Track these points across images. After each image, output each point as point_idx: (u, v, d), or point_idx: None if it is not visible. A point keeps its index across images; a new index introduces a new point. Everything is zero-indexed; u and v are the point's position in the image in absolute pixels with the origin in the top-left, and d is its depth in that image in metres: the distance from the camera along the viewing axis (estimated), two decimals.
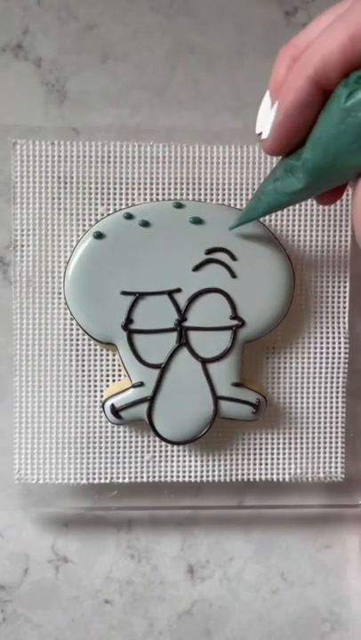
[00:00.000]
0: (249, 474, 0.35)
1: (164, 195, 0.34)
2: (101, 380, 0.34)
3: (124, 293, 0.32)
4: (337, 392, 0.35)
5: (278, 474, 0.35)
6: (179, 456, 0.35)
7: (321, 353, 0.35)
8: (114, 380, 0.34)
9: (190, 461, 0.35)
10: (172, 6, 0.36)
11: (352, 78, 0.19)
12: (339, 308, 0.35)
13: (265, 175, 0.34)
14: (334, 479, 0.35)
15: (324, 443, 0.35)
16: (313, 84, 0.20)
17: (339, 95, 0.19)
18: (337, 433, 0.35)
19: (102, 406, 0.34)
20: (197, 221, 0.32)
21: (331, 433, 0.35)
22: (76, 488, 0.36)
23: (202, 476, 0.35)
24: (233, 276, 0.32)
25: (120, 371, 0.34)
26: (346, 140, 0.20)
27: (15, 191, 0.33)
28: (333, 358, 0.35)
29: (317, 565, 0.38)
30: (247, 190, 0.34)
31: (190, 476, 0.35)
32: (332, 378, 0.35)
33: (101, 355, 0.34)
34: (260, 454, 0.35)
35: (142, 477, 0.34)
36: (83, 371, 0.34)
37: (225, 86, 0.36)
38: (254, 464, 0.35)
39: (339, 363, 0.35)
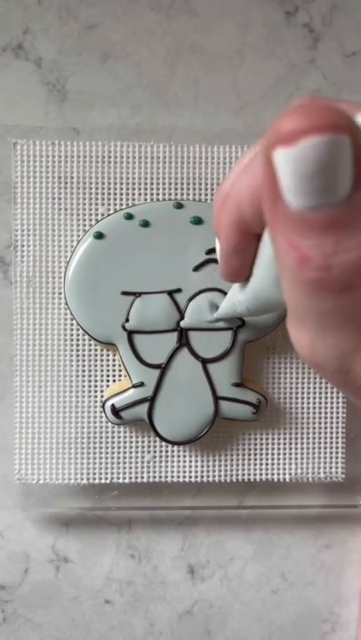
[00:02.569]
0: (249, 474, 0.35)
1: (164, 195, 0.34)
2: (102, 381, 0.34)
3: (125, 293, 0.32)
4: (337, 392, 0.35)
5: (279, 474, 0.35)
6: (179, 456, 0.35)
7: None
8: (114, 381, 0.34)
9: (191, 461, 0.35)
10: (173, 6, 0.36)
11: None
12: None
13: None
14: (335, 479, 0.35)
15: (325, 443, 0.35)
16: (239, 230, 0.18)
17: (264, 240, 0.18)
18: (337, 433, 0.35)
19: (103, 406, 0.34)
20: (197, 221, 0.32)
21: (331, 433, 0.35)
22: (76, 488, 0.36)
23: (202, 477, 0.35)
24: None
25: (120, 371, 0.34)
26: (269, 281, 0.19)
27: (15, 191, 0.33)
28: None
29: (318, 565, 0.38)
30: None
31: (191, 477, 0.35)
32: None
33: (102, 355, 0.34)
34: (261, 454, 0.35)
35: (143, 477, 0.34)
36: (83, 371, 0.34)
37: (225, 86, 0.36)
38: (255, 464, 0.35)
39: None
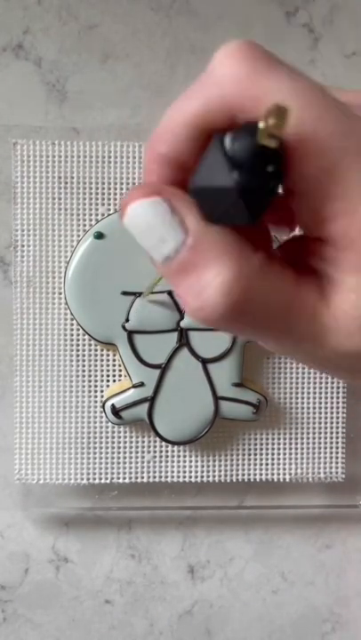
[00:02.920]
0: (249, 474, 0.35)
1: None
2: (102, 381, 0.34)
3: (125, 293, 0.32)
4: (337, 392, 0.35)
5: (279, 474, 0.35)
6: (179, 456, 0.35)
7: None
8: (114, 381, 0.34)
9: (191, 461, 0.35)
10: (173, 6, 0.36)
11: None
12: None
13: None
14: (335, 479, 0.35)
15: (325, 443, 0.35)
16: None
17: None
18: (337, 433, 0.35)
19: (103, 406, 0.34)
20: None
21: (331, 433, 0.35)
22: (76, 488, 0.36)
23: (202, 477, 0.35)
24: None
25: (120, 371, 0.34)
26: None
27: (16, 191, 0.33)
28: None
29: (318, 565, 0.38)
30: None
31: (191, 477, 0.35)
32: (333, 378, 0.35)
33: (102, 355, 0.34)
34: (261, 454, 0.35)
35: (143, 477, 0.34)
36: (83, 371, 0.34)
37: None
38: (255, 464, 0.35)
39: None
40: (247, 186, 0.14)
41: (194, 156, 0.16)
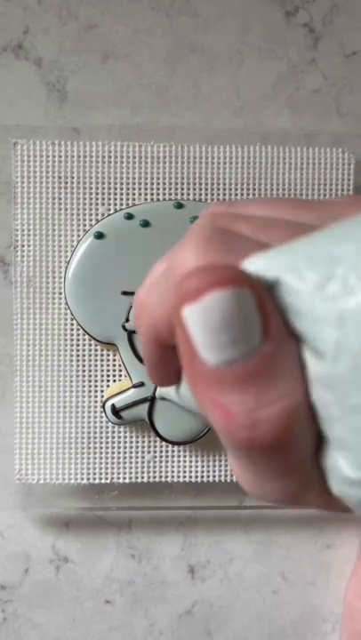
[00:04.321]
0: None
1: (164, 195, 0.34)
2: (102, 381, 0.34)
3: (125, 293, 0.32)
4: None
5: None
6: (179, 456, 0.35)
7: None
8: (114, 381, 0.34)
9: (191, 461, 0.35)
10: (173, 6, 0.36)
11: None
12: None
13: (265, 175, 0.34)
14: None
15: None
16: (157, 344, 0.17)
17: None
18: None
19: (103, 406, 0.34)
20: None
21: None
22: (76, 488, 0.36)
23: (202, 477, 0.35)
24: None
25: (120, 371, 0.34)
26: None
27: (16, 191, 0.33)
28: None
29: (318, 565, 0.38)
30: (247, 190, 0.34)
31: (191, 477, 0.35)
32: None
33: (102, 355, 0.34)
34: None
35: (143, 478, 0.34)
36: (83, 371, 0.34)
37: (225, 86, 0.36)
38: None
39: None
40: None
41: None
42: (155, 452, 0.35)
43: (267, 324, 0.12)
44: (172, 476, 0.35)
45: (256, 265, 0.13)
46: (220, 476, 0.35)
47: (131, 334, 0.32)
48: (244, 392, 0.12)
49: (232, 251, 0.14)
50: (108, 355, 0.34)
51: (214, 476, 0.35)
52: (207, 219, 0.16)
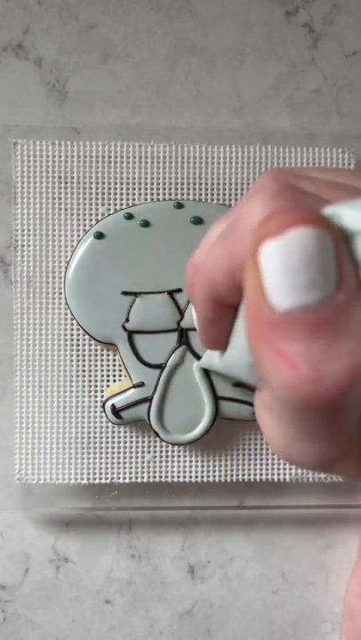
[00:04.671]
0: (250, 474, 0.35)
1: (164, 195, 0.34)
2: (102, 381, 0.34)
3: (125, 293, 0.32)
4: None
5: (279, 474, 0.35)
6: (179, 456, 0.35)
7: None
8: (114, 381, 0.34)
9: (191, 461, 0.35)
10: (173, 6, 0.36)
11: None
12: None
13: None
14: (335, 479, 0.35)
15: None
16: (214, 302, 0.17)
17: (240, 317, 0.17)
18: None
19: (103, 406, 0.34)
20: (197, 221, 0.32)
21: None
22: (76, 488, 0.36)
23: (202, 477, 0.35)
24: None
25: (120, 371, 0.34)
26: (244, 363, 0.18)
27: (16, 191, 0.33)
28: None
29: (318, 566, 0.38)
30: (247, 190, 0.34)
31: (191, 477, 0.35)
32: None
33: (102, 355, 0.34)
34: (261, 454, 0.35)
35: (143, 478, 0.34)
36: (83, 371, 0.34)
37: (225, 86, 0.36)
38: (255, 464, 0.35)
39: None
40: None
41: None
42: (155, 451, 0.35)
43: (342, 273, 0.12)
44: (172, 476, 0.35)
45: (341, 212, 0.13)
46: (220, 476, 0.35)
47: (131, 334, 0.32)
48: (312, 342, 0.12)
49: (301, 204, 0.14)
50: (108, 355, 0.34)
51: (214, 476, 0.35)
52: (269, 177, 0.16)
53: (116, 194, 0.34)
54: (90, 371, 0.34)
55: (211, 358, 0.22)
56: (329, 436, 0.13)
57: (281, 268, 0.12)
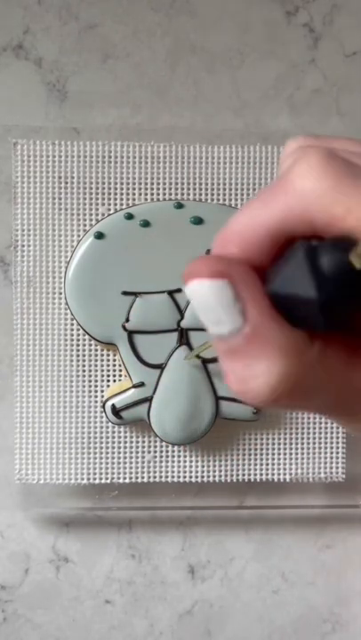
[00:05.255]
0: (250, 474, 0.35)
1: (164, 195, 0.34)
2: (102, 381, 0.34)
3: (125, 293, 0.32)
4: None
5: (279, 474, 0.35)
6: (179, 456, 0.35)
7: None
8: (114, 381, 0.34)
9: (191, 462, 0.35)
10: (173, 6, 0.36)
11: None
12: None
13: (265, 175, 0.34)
14: (335, 479, 0.35)
15: (325, 443, 0.35)
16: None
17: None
18: (338, 433, 0.35)
19: (103, 406, 0.34)
20: (197, 221, 0.32)
21: (332, 433, 0.35)
22: (76, 488, 0.36)
23: (202, 477, 0.35)
24: None
25: (121, 371, 0.34)
26: None
27: (16, 191, 0.33)
28: None
29: (318, 566, 0.38)
30: (247, 190, 0.34)
31: (191, 477, 0.35)
32: None
33: (102, 355, 0.34)
34: (261, 454, 0.35)
35: (143, 478, 0.34)
36: (83, 371, 0.34)
37: (225, 86, 0.36)
38: (255, 464, 0.35)
39: None
40: (329, 301, 0.14)
41: (267, 260, 0.15)
42: (155, 451, 0.35)
43: (245, 310, 0.14)
44: (172, 476, 0.35)
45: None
46: (220, 476, 0.35)
47: (131, 334, 0.32)
48: (233, 363, 0.15)
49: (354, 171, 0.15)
50: (108, 355, 0.34)
51: (214, 476, 0.35)
52: (307, 145, 0.17)
53: (116, 194, 0.34)
54: (90, 371, 0.34)
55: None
56: (313, 406, 0.16)
57: (197, 307, 0.15)
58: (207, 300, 0.14)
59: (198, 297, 0.15)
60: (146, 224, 0.32)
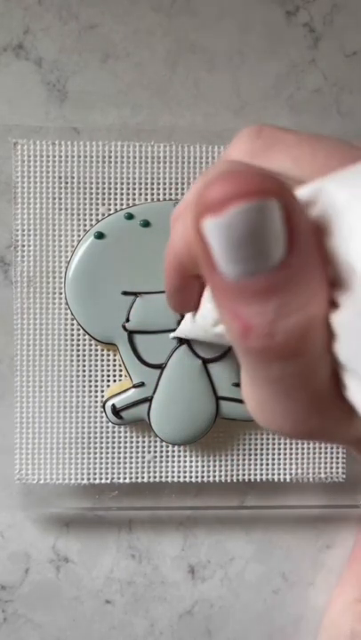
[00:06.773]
0: (250, 474, 0.35)
1: (164, 195, 0.34)
2: (102, 381, 0.34)
3: (125, 293, 0.32)
4: None
5: (279, 474, 0.35)
6: (179, 456, 0.35)
7: None
8: (115, 381, 0.34)
9: (191, 462, 0.35)
10: (173, 6, 0.36)
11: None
12: None
13: None
14: (335, 479, 0.35)
15: (325, 443, 0.35)
16: (178, 273, 0.18)
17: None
18: None
19: (103, 406, 0.34)
20: None
21: None
22: (76, 488, 0.36)
23: (203, 477, 0.35)
24: None
25: (121, 371, 0.34)
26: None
27: (16, 191, 0.33)
28: None
29: (318, 566, 0.38)
30: None
31: (191, 477, 0.35)
32: None
33: (102, 355, 0.34)
34: (261, 454, 0.35)
35: (143, 478, 0.34)
36: (83, 371, 0.34)
37: (225, 86, 0.36)
38: (255, 464, 0.35)
39: None
40: None
41: None
42: (155, 451, 0.35)
43: (292, 237, 0.12)
44: (172, 476, 0.35)
45: (324, 186, 0.13)
46: (220, 476, 0.35)
47: (131, 334, 0.32)
48: (263, 304, 0.12)
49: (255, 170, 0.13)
50: (108, 355, 0.34)
51: (214, 476, 0.35)
52: (245, 137, 0.16)
53: (116, 194, 0.34)
54: (90, 371, 0.34)
55: (184, 325, 0.23)
56: (300, 396, 0.14)
57: (225, 243, 0.12)
58: (250, 229, 0.11)
59: (237, 227, 0.11)
60: (146, 224, 0.32)
